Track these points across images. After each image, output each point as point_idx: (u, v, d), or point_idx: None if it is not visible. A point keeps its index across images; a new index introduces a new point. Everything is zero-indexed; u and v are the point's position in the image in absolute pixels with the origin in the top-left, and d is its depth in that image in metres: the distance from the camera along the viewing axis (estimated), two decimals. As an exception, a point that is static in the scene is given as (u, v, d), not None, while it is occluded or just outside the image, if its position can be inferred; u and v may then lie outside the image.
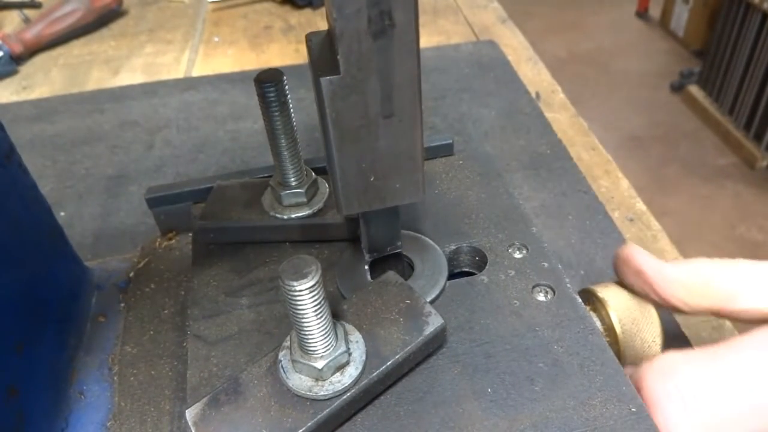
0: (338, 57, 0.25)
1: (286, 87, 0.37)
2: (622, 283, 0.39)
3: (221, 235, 0.41)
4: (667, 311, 0.37)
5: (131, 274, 0.45)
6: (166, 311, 0.42)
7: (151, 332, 0.41)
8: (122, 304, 0.44)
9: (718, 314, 0.35)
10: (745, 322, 0.34)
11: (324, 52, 0.27)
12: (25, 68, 0.97)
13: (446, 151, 0.48)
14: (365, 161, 0.28)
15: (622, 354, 0.36)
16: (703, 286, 0.34)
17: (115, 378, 0.39)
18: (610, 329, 0.37)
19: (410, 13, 0.24)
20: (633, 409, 0.30)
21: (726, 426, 0.30)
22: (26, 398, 0.34)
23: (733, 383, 0.30)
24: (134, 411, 0.37)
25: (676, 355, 0.31)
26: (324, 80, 0.25)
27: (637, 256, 0.36)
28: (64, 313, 0.41)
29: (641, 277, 0.36)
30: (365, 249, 0.36)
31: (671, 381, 0.30)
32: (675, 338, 0.48)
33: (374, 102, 0.26)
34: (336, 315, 0.32)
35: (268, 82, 0.36)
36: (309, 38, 0.29)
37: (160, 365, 0.39)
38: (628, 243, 0.38)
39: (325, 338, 0.29)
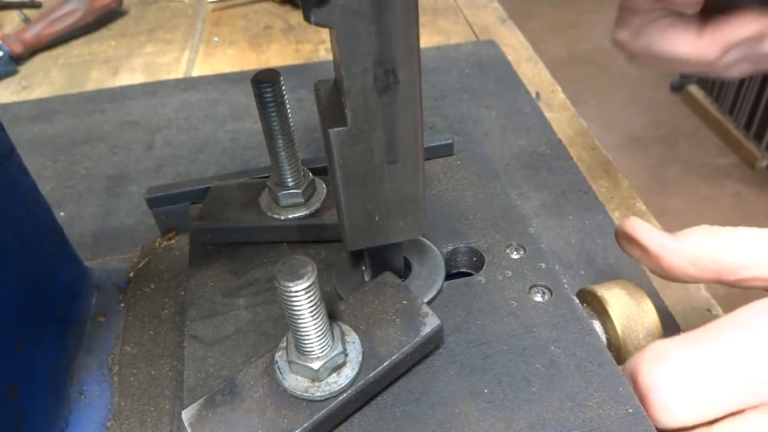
0: (346, 110, 0.26)
1: (283, 87, 0.37)
2: (620, 282, 0.39)
3: (218, 235, 0.42)
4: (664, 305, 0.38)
5: (131, 274, 0.46)
6: (166, 311, 0.42)
7: (151, 332, 0.41)
8: (122, 304, 0.44)
9: (720, 283, 0.36)
10: (747, 288, 0.36)
11: (332, 103, 0.29)
12: (25, 68, 0.97)
13: (446, 151, 0.48)
14: (370, 203, 0.30)
15: (623, 352, 0.37)
16: (707, 259, 0.35)
17: (115, 378, 0.39)
18: (610, 328, 0.37)
19: (413, 71, 0.26)
20: (630, 410, 0.30)
21: (716, 401, 0.30)
22: (26, 398, 0.34)
23: (718, 362, 0.31)
24: (134, 411, 0.37)
25: (665, 343, 0.32)
26: (332, 132, 0.27)
27: (640, 231, 0.37)
28: (64, 313, 0.41)
29: (645, 252, 0.37)
30: (369, 278, 0.37)
31: (663, 366, 0.31)
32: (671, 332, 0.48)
33: (379, 150, 0.28)
34: (332, 316, 0.32)
35: (264, 82, 0.36)
36: (317, 87, 0.30)
37: (160, 365, 0.39)
38: (630, 218, 0.39)
39: (322, 339, 0.29)
